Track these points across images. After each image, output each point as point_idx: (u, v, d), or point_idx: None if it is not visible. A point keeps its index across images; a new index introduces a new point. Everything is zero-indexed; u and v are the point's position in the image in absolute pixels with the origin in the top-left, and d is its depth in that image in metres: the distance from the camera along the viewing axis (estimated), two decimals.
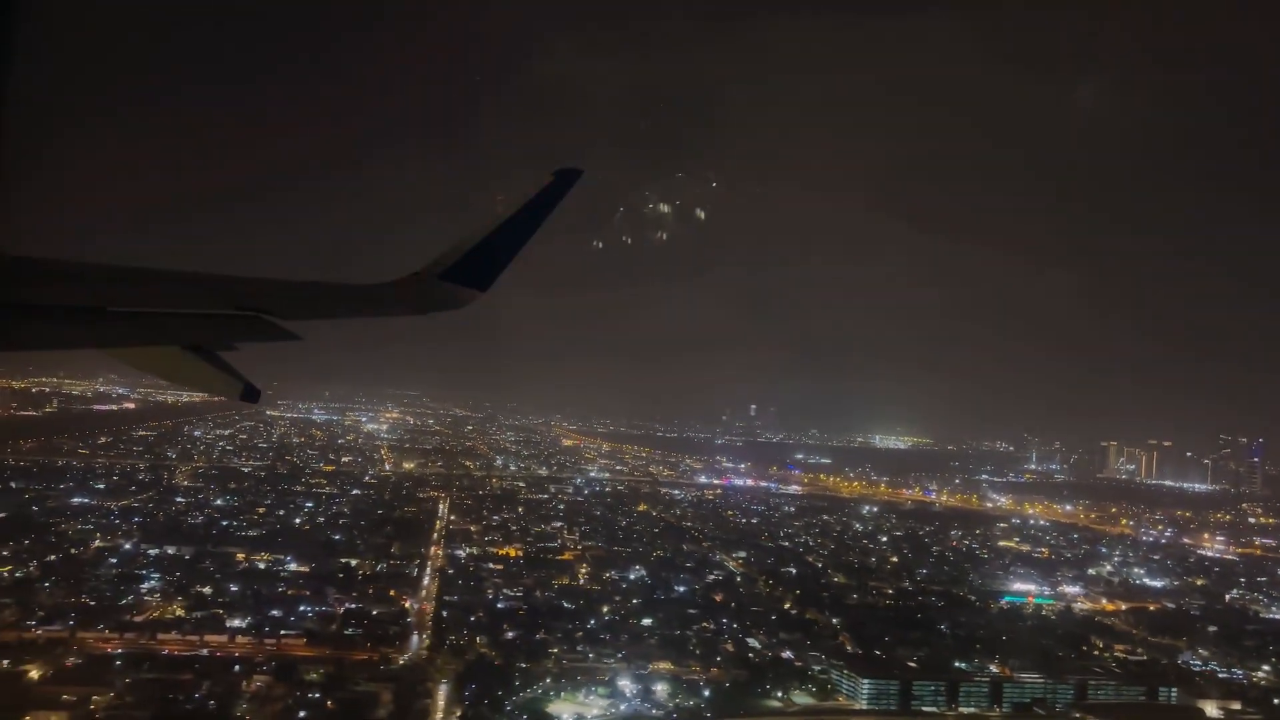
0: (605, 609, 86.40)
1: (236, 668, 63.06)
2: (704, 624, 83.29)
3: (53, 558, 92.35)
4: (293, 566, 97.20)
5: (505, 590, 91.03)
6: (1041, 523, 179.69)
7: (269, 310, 8.54)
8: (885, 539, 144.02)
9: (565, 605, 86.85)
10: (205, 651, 66.83)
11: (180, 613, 76.29)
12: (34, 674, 58.86)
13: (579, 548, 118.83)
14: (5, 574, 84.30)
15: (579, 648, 73.33)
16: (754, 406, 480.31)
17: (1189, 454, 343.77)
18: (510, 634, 76.11)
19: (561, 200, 11.58)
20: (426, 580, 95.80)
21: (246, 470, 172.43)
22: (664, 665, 70.33)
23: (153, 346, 8.44)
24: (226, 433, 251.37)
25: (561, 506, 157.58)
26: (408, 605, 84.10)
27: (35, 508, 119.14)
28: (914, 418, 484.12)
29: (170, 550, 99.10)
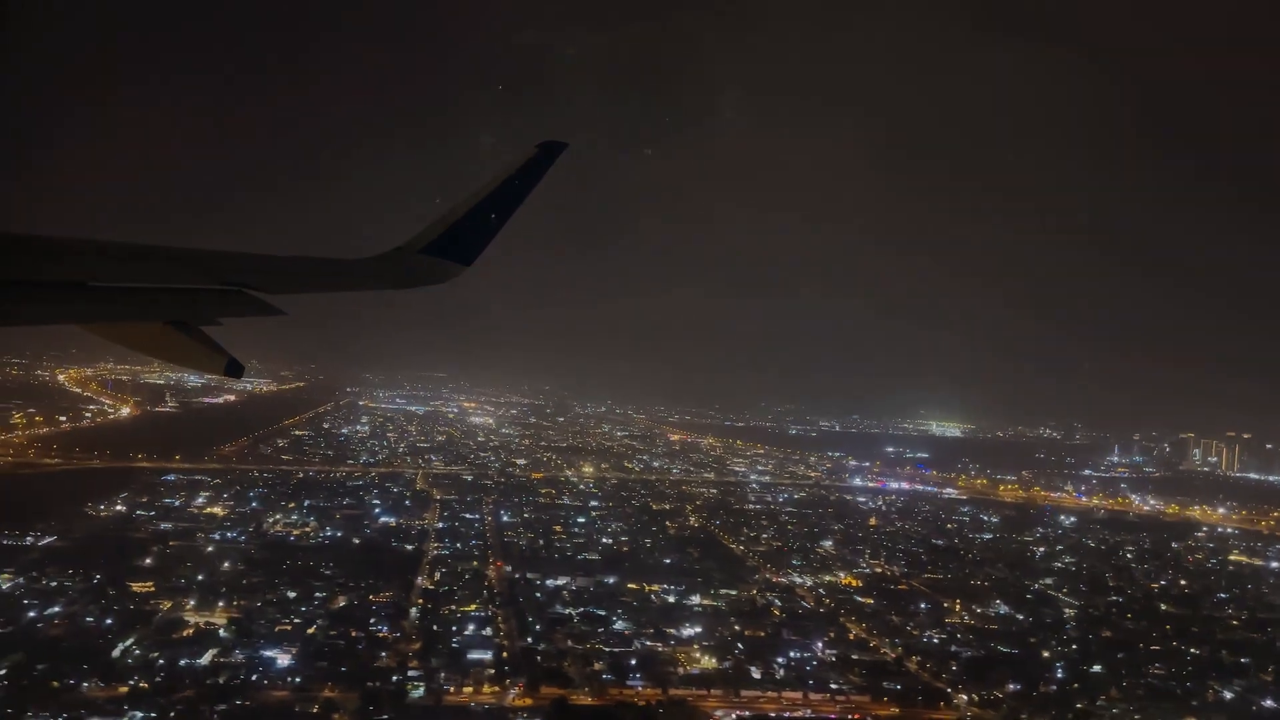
0: (1045, 654, 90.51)
1: None
2: (1153, 668, 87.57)
3: (499, 590, 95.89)
4: (696, 599, 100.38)
5: (929, 633, 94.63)
6: (1228, 530, 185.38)
7: (252, 285, 8.57)
8: (1127, 555, 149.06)
9: (1004, 650, 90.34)
10: (809, 712, 70.38)
11: (711, 663, 79.51)
12: None
13: (892, 573, 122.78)
14: (533, 625, 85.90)
15: (1115, 708, 76.96)
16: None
17: (1269, 446, 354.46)
18: (1011, 685, 79.94)
19: (545, 174, 11.45)
20: (830, 614, 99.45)
21: (468, 479, 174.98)
22: None
23: (135, 322, 8.50)
24: (365, 429, 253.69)
25: (792, 519, 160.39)
26: (879, 650, 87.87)
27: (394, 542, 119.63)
28: (942, 403, 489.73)
29: (576, 583, 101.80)
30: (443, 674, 70.20)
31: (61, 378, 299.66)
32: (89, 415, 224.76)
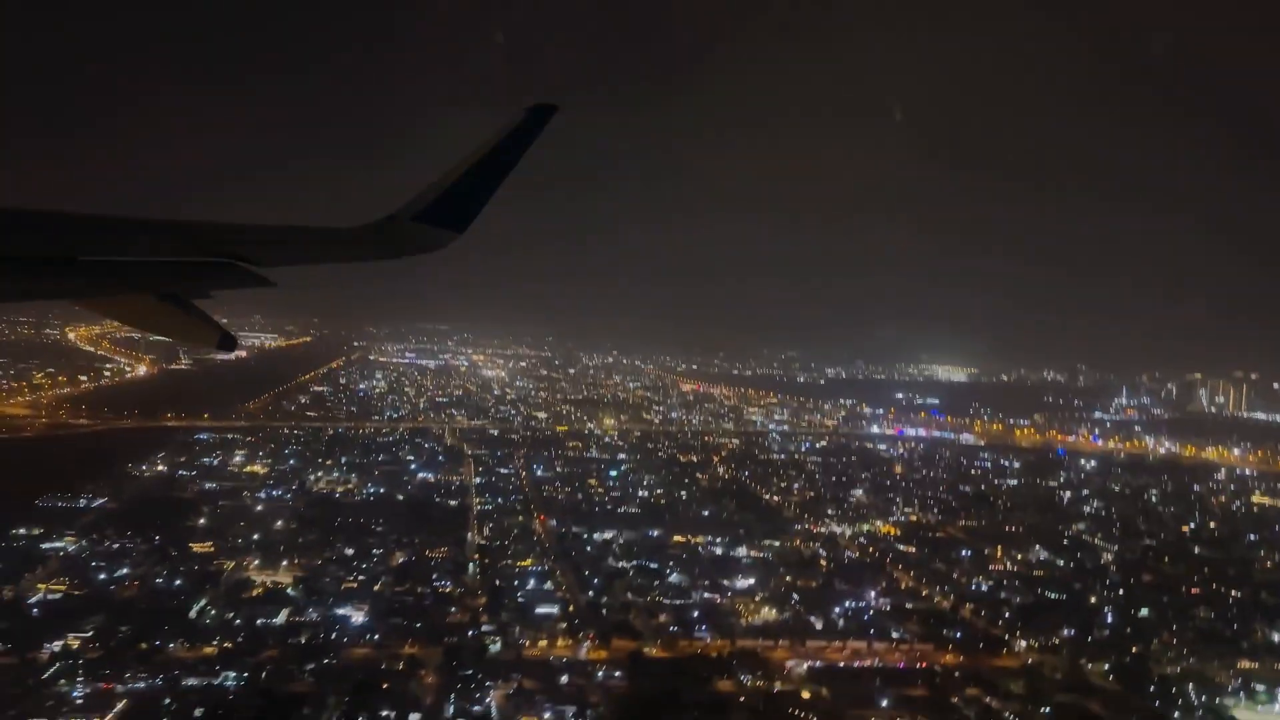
0: (1092, 600, 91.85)
1: (956, 674, 68.46)
2: (1198, 611, 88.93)
3: (549, 544, 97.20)
4: (742, 550, 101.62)
5: (977, 580, 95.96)
6: (1247, 471, 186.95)
7: (242, 256, 8.42)
8: (1152, 498, 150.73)
9: (1052, 596, 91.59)
10: (876, 661, 71.58)
11: (772, 614, 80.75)
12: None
13: (927, 520, 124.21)
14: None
15: (1170, 652, 78.47)
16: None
17: (1276, 385, 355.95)
18: (1066, 631, 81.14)
19: (536, 138, 11.21)
20: (876, 564, 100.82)
21: (494, 433, 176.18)
22: None
23: (125, 298, 8.36)
24: (382, 385, 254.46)
25: (819, 469, 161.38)
26: (932, 599, 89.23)
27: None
28: (945, 347, 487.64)
29: (623, 536, 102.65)
30: (516, 629, 71.24)
31: (72, 335, 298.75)
32: (108, 374, 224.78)
